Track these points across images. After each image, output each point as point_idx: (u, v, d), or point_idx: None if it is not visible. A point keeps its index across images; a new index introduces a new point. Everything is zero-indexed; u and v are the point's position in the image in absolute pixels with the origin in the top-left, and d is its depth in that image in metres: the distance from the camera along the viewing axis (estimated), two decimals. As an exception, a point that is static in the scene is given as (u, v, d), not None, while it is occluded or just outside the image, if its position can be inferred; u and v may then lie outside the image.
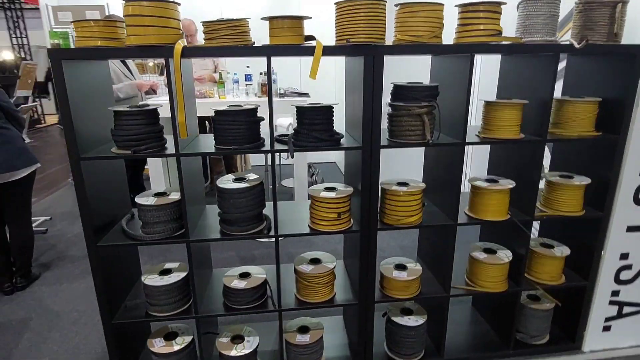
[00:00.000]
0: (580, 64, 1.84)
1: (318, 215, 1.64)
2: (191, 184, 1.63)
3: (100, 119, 1.60)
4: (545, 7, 1.55)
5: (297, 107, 1.56)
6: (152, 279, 1.68)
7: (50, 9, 4.61)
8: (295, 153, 1.52)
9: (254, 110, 1.53)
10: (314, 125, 1.54)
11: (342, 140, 1.62)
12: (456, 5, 1.53)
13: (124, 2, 1.33)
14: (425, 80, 1.80)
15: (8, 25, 9.91)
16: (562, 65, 1.79)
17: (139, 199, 1.60)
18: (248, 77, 3.67)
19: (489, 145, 1.92)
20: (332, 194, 1.62)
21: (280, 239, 1.64)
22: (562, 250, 1.86)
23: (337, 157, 5.80)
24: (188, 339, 1.76)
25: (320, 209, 1.63)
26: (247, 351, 1.74)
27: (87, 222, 1.51)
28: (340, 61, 3.16)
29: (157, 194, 1.66)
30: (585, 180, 1.76)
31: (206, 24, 1.44)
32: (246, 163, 4.91)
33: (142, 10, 1.33)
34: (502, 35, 1.53)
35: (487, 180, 1.76)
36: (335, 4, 1.45)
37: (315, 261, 1.81)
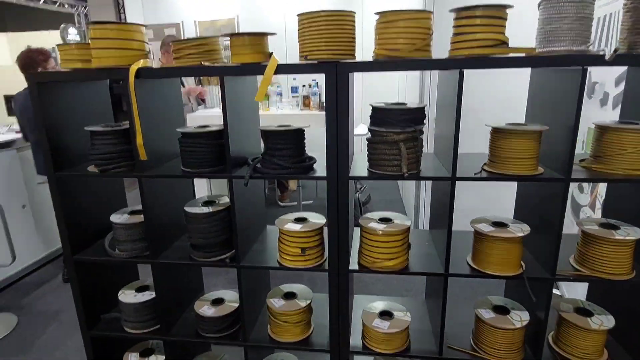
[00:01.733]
0: (643, 79, 1.40)
1: (283, 249, 1.49)
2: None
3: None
4: (571, 8, 1.19)
5: (261, 130, 1.44)
6: (127, 295, 1.70)
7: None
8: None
9: (218, 132, 1.45)
10: (277, 151, 1.40)
11: (316, 167, 1.44)
12: (450, 11, 1.26)
13: (90, 25, 1.36)
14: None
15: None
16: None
17: (113, 217, 1.63)
18: (294, 90, 3.63)
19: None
20: (297, 227, 1.45)
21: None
22: (603, 321, 1.42)
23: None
24: (161, 358, 1.74)
25: (285, 242, 1.48)
26: (214, 382, 1.66)
27: (65, 237, 1.57)
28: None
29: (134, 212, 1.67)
30: (635, 234, 1.31)
31: (175, 42, 1.41)
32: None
33: (105, 33, 1.34)
34: (508, 47, 1.22)
35: (495, 224, 1.42)
36: (297, 15, 1.29)
37: (290, 295, 1.65)
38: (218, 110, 3.64)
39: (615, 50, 1.11)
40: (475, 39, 1.21)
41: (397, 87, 5.18)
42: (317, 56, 1.26)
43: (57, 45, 1.50)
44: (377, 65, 1.25)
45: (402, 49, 1.24)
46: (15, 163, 3.08)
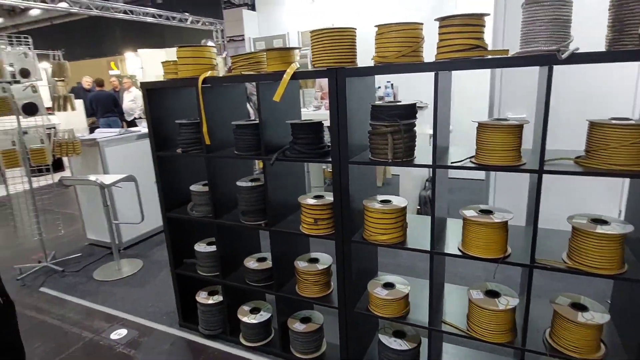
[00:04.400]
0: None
1: (302, 219, 1.85)
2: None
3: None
4: (543, 11, 1.29)
5: (289, 123, 1.82)
6: (200, 246, 2.27)
7: (251, 40, 6.08)
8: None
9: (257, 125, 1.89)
10: (298, 139, 1.77)
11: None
12: (435, 19, 1.46)
13: (177, 47, 1.93)
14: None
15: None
16: None
17: (192, 187, 2.20)
18: (373, 91, 3.92)
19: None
20: (312, 201, 1.80)
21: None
22: (594, 317, 1.43)
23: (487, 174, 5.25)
24: (219, 299, 2.28)
25: (304, 213, 1.84)
26: (255, 321, 2.12)
27: (162, 200, 2.21)
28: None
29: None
30: (624, 228, 1.31)
31: (232, 57, 1.90)
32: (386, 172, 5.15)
33: (185, 53, 1.90)
34: (483, 50, 1.37)
35: (482, 211, 1.55)
36: (310, 32, 1.64)
37: (313, 260, 2.01)
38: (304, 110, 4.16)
39: (559, 51, 1.19)
40: (454, 44, 1.39)
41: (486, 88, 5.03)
42: (323, 64, 1.59)
43: (162, 62, 2.12)
44: (365, 70, 1.52)
45: (390, 55, 1.49)
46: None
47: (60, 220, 4.49)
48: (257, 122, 1.88)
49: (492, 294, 1.61)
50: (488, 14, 1.36)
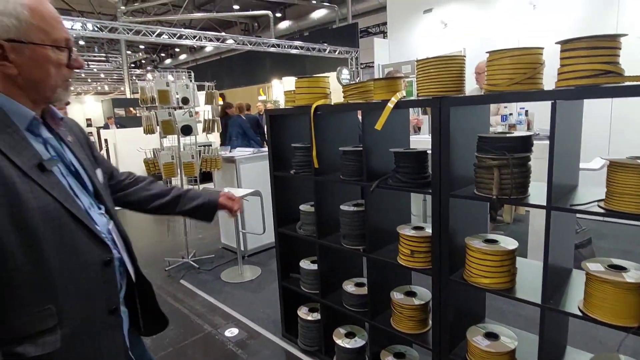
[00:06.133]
0: None
1: (400, 249, 1.80)
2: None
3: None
4: None
5: (392, 151, 1.81)
6: (304, 263, 2.39)
7: (380, 67, 6.19)
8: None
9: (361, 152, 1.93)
10: (399, 168, 1.75)
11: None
12: (556, 43, 1.30)
13: (296, 78, 2.13)
14: None
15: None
16: None
17: (301, 206, 2.35)
18: (504, 118, 3.61)
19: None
20: (410, 232, 1.74)
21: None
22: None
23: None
24: (318, 316, 2.35)
25: (401, 244, 1.79)
26: (348, 346, 2.13)
27: (275, 215, 2.42)
28: None
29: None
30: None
31: (343, 86, 2.00)
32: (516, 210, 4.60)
33: (301, 83, 2.08)
34: (618, 75, 1.16)
35: (613, 266, 1.28)
36: (415, 61, 1.63)
37: (410, 294, 1.92)
38: (426, 136, 4.06)
39: None
40: (578, 69, 1.22)
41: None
42: (428, 93, 1.56)
43: (284, 92, 2.35)
44: (470, 99, 1.43)
45: (501, 83, 1.38)
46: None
47: (202, 224, 5.25)
48: (359, 149, 1.93)
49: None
50: (624, 35, 1.15)
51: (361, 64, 10.20)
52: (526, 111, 3.40)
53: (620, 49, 1.18)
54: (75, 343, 0.89)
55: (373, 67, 7.05)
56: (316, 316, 2.37)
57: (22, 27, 0.84)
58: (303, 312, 2.42)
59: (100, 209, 1.03)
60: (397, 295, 1.92)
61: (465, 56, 1.52)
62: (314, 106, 1.99)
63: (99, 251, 0.94)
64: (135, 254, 1.11)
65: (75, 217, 0.90)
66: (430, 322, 1.88)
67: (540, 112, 3.54)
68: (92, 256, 0.93)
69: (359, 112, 2.10)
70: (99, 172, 1.09)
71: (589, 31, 4.55)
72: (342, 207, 2.08)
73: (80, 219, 0.90)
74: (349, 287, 2.16)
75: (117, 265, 1.01)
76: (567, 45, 1.25)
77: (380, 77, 6.31)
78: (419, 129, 4.30)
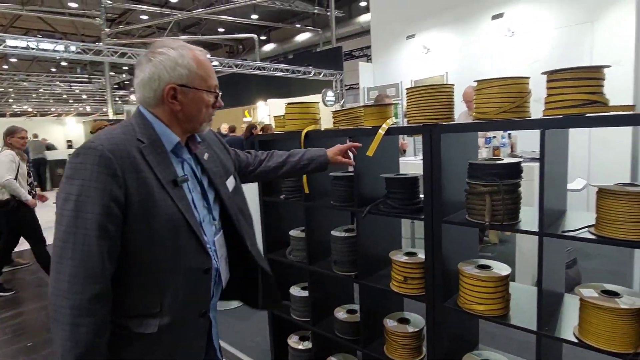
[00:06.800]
0: None
1: (392, 275, 1.79)
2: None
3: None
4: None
5: (383, 177, 1.82)
6: (294, 289, 2.34)
7: (366, 90, 6.31)
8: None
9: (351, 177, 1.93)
10: (391, 194, 1.75)
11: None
12: (542, 73, 1.35)
13: (286, 103, 2.13)
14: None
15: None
16: None
17: (291, 232, 2.32)
18: (488, 141, 3.68)
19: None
20: (403, 258, 1.73)
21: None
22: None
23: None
24: (309, 345, 2.29)
25: (394, 270, 1.77)
26: (340, 376, 2.07)
27: (264, 240, 2.38)
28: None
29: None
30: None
31: (333, 112, 2.02)
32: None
33: (292, 109, 2.09)
34: (603, 105, 1.20)
35: (606, 292, 1.29)
36: (406, 89, 1.65)
37: (404, 321, 1.89)
38: (412, 159, 4.11)
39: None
40: (564, 99, 1.26)
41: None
42: (418, 120, 1.58)
43: (274, 116, 2.35)
44: (461, 126, 1.45)
45: (489, 112, 1.41)
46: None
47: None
48: (349, 175, 1.93)
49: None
50: (608, 66, 1.20)
51: (345, 85, 10.38)
52: (509, 134, 3.48)
53: (604, 79, 1.22)
54: (168, 332, 1.06)
55: (357, 88, 7.18)
56: (307, 345, 2.31)
57: (190, 76, 1.08)
58: (293, 341, 2.36)
59: (214, 219, 1.21)
60: (390, 323, 1.89)
61: (454, 84, 1.56)
62: (304, 132, 1.99)
63: (203, 259, 1.11)
64: None
65: (190, 227, 1.07)
66: (425, 349, 1.86)
67: (522, 135, 3.64)
68: (196, 262, 1.09)
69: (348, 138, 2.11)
70: (229, 182, 1.28)
71: (565, 57, 4.77)
72: (333, 232, 2.06)
73: (194, 229, 1.07)
74: (340, 314, 2.12)
75: (213, 275, 1.16)
76: (553, 76, 1.29)
77: (367, 100, 6.42)
78: (404, 151, 4.35)
